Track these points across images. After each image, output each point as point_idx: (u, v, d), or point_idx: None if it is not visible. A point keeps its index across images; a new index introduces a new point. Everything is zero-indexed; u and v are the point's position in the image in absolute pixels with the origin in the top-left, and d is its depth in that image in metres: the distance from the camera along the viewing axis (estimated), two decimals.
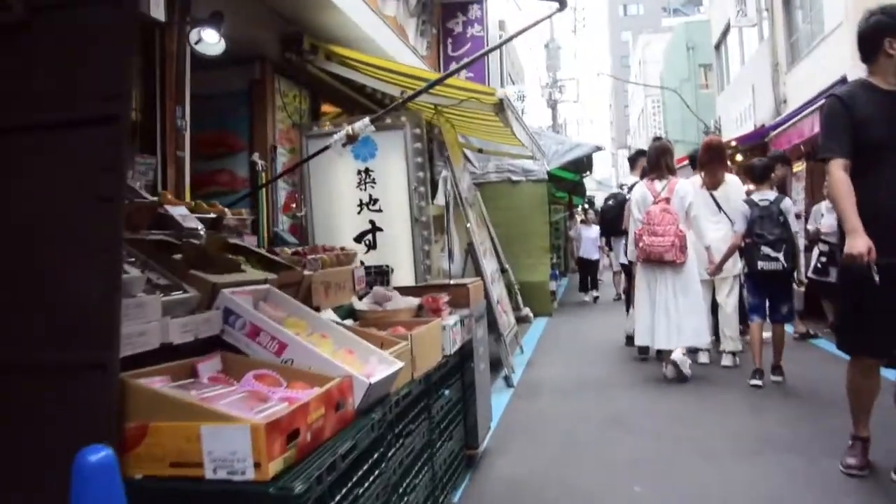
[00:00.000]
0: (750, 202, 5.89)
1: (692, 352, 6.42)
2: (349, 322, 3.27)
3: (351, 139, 4.23)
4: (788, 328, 6.99)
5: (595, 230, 13.24)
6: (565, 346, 8.34)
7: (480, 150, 9.79)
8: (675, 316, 5.97)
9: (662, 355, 6.26)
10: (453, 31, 11.04)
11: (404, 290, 3.77)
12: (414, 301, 3.50)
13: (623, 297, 11.88)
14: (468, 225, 6.17)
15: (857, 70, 9.75)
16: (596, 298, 13.44)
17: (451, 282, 3.79)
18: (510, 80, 21.92)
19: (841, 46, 10.43)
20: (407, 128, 5.95)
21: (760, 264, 5.67)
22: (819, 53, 11.87)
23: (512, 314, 7.59)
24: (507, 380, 6.18)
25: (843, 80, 9.49)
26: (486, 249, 7.17)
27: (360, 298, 3.59)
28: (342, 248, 3.57)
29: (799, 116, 8.54)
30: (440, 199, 6.53)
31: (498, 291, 6.96)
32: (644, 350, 6.97)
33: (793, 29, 13.79)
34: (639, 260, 6.12)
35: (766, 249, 5.64)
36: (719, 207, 6.44)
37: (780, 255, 5.60)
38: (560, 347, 8.29)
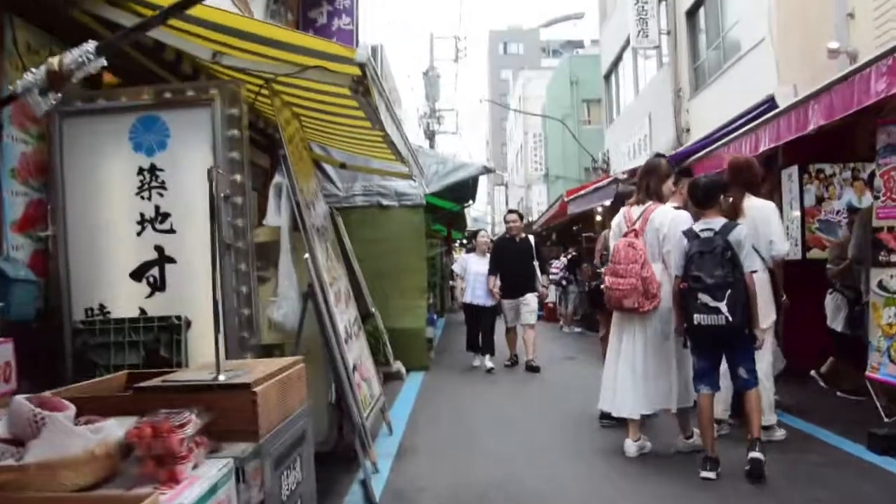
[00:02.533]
0: (689, 233, 4.37)
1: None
2: None
3: (57, 80, 2.14)
4: None
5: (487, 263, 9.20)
6: (450, 418, 6.27)
7: (343, 166, 7.69)
8: (642, 378, 4.61)
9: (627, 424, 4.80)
10: (316, 21, 9.04)
11: (106, 397, 1.71)
12: (112, 433, 1.44)
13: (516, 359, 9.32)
14: (306, 256, 4.12)
15: (784, 87, 8.75)
16: (491, 370, 8.85)
17: (222, 377, 1.72)
18: None
19: (764, 64, 9.29)
20: (216, 105, 3.89)
21: (697, 317, 4.19)
22: (733, 74, 10.78)
23: (376, 379, 5.57)
24: (366, 489, 4.12)
25: (771, 100, 8.29)
26: (342, 291, 5.15)
27: None
28: None
29: (723, 141, 7.14)
30: (271, 219, 4.48)
31: (356, 352, 4.94)
32: (607, 416, 5.38)
33: (698, 54, 12.78)
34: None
35: (703, 297, 4.15)
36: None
37: (723, 305, 4.09)
38: (443, 419, 6.21)
